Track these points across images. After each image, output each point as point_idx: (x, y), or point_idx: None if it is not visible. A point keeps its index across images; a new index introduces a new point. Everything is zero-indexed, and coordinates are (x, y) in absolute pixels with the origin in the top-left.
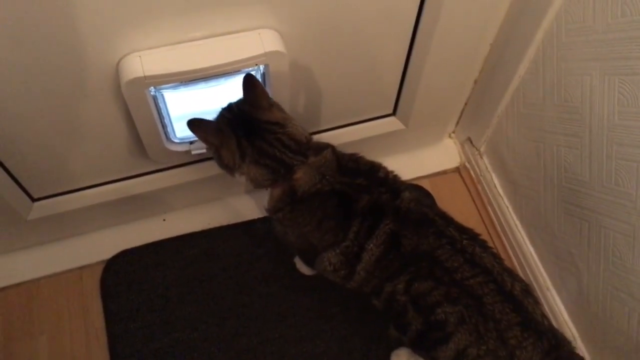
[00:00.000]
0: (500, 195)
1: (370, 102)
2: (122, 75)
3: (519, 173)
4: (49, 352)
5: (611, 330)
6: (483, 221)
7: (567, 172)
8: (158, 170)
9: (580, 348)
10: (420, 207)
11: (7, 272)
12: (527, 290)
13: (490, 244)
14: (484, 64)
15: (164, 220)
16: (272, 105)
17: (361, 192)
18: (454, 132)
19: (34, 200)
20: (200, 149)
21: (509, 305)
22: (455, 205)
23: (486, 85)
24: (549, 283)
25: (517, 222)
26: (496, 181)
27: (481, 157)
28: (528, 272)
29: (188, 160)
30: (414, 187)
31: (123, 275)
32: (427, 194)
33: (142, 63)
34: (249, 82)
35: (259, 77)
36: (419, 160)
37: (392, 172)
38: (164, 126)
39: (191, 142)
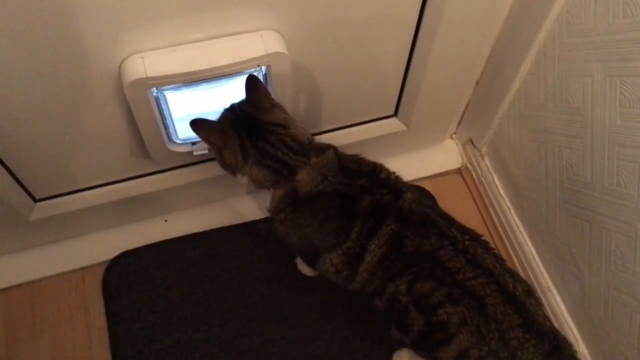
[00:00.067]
0: (501, 196)
1: (371, 103)
2: (125, 76)
3: (520, 174)
4: (50, 352)
5: (613, 332)
6: (484, 222)
7: (568, 173)
8: (160, 171)
9: (582, 349)
10: (422, 208)
11: (9, 273)
12: (529, 291)
13: (492, 245)
14: (486, 65)
15: (166, 221)
16: (275, 106)
17: (363, 193)
18: (455, 133)
19: (36, 201)
20: (202, 149)
21: (510, 306)
22: (457, 206)
23: (488, 86)
24: (550, 284)
25: (519, 223)
26: (497, 182)
27: (482, 158)
28: (529, 273)
29: (190, 161)
30: (416, 188)
31: (125, 276)
32: (429, 195)
33: (144, 64)
34: (252, 83)
35: (260, 78)
36: (421, 161)
37: (393, 173)
38: (166, 127)
39: (193, 143)
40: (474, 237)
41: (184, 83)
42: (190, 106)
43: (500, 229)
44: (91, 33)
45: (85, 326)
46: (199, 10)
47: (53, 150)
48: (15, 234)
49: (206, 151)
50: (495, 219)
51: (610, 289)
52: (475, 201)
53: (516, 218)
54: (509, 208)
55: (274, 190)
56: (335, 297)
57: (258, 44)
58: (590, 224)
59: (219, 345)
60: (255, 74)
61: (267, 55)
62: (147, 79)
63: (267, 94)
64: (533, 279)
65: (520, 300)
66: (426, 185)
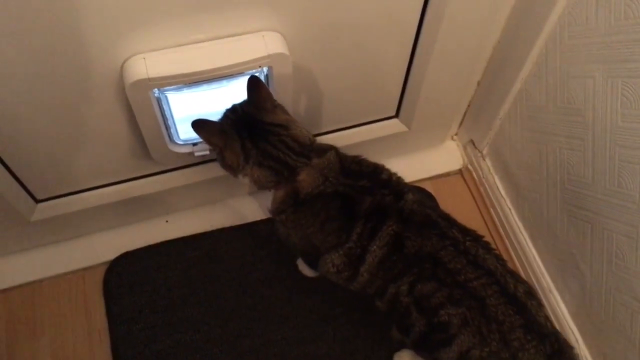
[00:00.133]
0: (502, 197)
1: (372, 104)
2: (126, 77)
3: (521, 175)
4: (51, 353)
5: (614, 333)
6: (485, 223)
7: (569, 174)
8: (161, 171)
9: (583, 351)
10: (424, 208)
11: (10, 273)
12: (531, 292)
13: (493, 246)
14: (487, 66)
15: (167, 221)
16: (276, 107)
17: (364, 194)
18: (456, 134)
19: (37, 201)
20: (203, 150)
21: (512, 307)
22: (458, 207)
23: (489, 87)
24: (551, 285)
25: (520, 224)
26: (499, 183)
27: (484, 159)
28: (530, 274)
29: (191, 162)
30: (417, 189)
31: (126, 276)
32: (430, 196)
33: (146, 65)
34: (254, 84)
35: (262, 79)
36: (422, 162)
37: (395, 174)
38: (167, 128)
39: (194, 144)
40: (475, 238)
41: (185, 84)
42: (192, 107)
43: (501, 230)
44: (93, 34)
45: (86, 327)
46: (200, 11)
47: (54, 151)
48: (16, 235)
49: (207, 152)
50: (496, 220)
51: (611, 290)
52: (476, 202)
53: (517, 219)
54: (509, 209)
55: (275, 191)
56: (336, 298)
57: (259, 44)
58: (591, 225)
59: (220, 346)
60: (256, 74)
61: (269, 56)
62: (149, 79)
63: (269, 94)
64: (534, 280)
65: (522, 301)
66: (427, 186)
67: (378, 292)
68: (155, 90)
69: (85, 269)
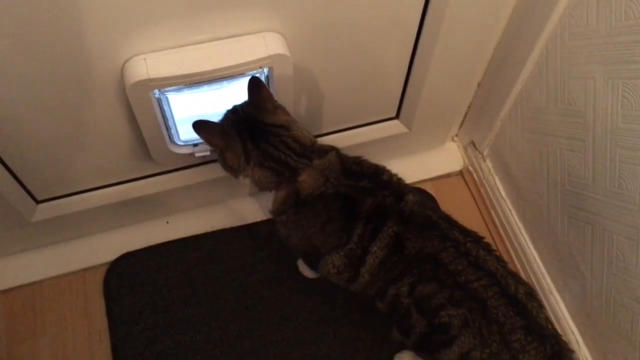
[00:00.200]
0: (503, 198)
1: (373, 105)
2: (127, 77)
3: (522, 176)
4: (51, 354)
5: (614, 334)
6: (486, 224)
7: (570, 175)
8: (162, 172)
9: (583, 352)
10: (424, 209)
11: (10, 274)
12: (531, 293)
13: (494, 247)
14: (487, 67)
15: (167, 222)
16: (277, 107)
17: (365, 195)
18: (457, 135)
19: (37, 202)
20: (204, 151)
21: (512, 308)
22: (458, 208)
23: (489, 88)
24: (552, 286)
25: (520, 226)
26: (499, 184)
27: (484, 161)
28: (531, 275)
29: (192, 163)
30: (417, 191)
31: (126, 277)
32: (430, 197)
33: (146, 66)
34: (255, 85)
35: (262, 80)
36: (422, 163)
37: (395, 175)
38: (168, 129)
39: (195, 145)
40: (476, 239)
41: (186, 85)
42: (193, 108)
43: (501, 231)
44: (93, 34)
45: (86, 328)
46: (201, 11)
47: (55, 152)
48: (16, 235)
49: (208, 153)
50: (497, 221)
51: (612, 292)
52: (476, 203)
53: (517, 220)
54: (510, 210)
55: (276, 192)
56: (336, 299)
57: (260, 45)
58: (592, 226)
59: (220, 347)
60: (257, 75)
61: (269, 57)
62: (150, 80)
63: (270, 95)
64: (534, 281)
65: (522, 302)
66: (428, 187)
67: (379, 293)
68: (156, 91)
69: (85, 270)
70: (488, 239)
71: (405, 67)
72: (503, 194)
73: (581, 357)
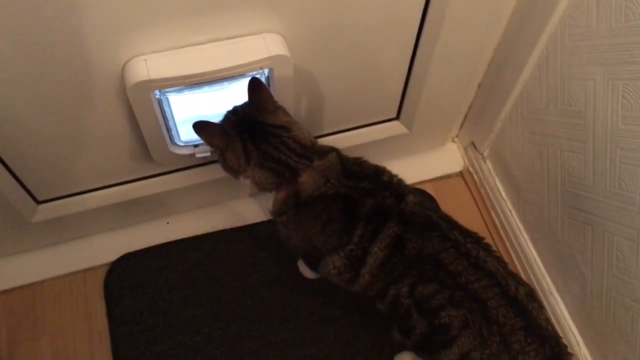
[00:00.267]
0: (503, 199)
1: (373, 106)
2: (128, 78)
3: (522, 177)
4: (51, 354)
5: (615, 335)
6: (486, 225)
7: (570, 176)
8: (162, 173)
9: (584, 353)
10: (425, 210)
11: (11, 274)
12: (532, 294)
13: (494, 248)
14: (488, 68)
15: (168, 223)
16: (278, 108)
17: (365, 196)
18: (457, 136)
19: (38, 202)
20: (204, 152)
21: (513, 309)
22: (459, 209)
23: (490, 89)
24: (552, 287)
25: (521, 226)
26: (499, 185)
27: (484, 162)
28: (531, 276)
29: (192, 164)
30: (418, 191)
31: (127, 278)
32: (431, 198)
33: (147, 66)
34: (255, 86)
35: (263, 81)
36: (423, 164)
37: (396, 176)
38: (168, 129)
39: (195, 145)
40: (476, 239)
41: (186, 85)
42: (193, 108)
43: (502, 232)
44: (94, 35)
45: (86, 328)
46: (201, 12)
47: (55, 152)
48: (17, 236)
49: (208, 153)
50: (497, 222)
51: (612, 292)
52: (477, 204)
53: (518, 221)
54: (510, 211)
55: (277, 193)
56: (336, 300)
57: (260, 46)
58: (592, 227)
59: (221, 348)
60: (257, 76)
61: (270, 58)
62: (150, 81)
63: (270, 96)
64: (535, 282)
65: (523, 303)
66: (428, 188)
67: (379, 294)
68: (157, 92)
69: (86, 270)
70: (488, 240)
71: (405, 67)
72: (503, 194)
73: (581, 357)
